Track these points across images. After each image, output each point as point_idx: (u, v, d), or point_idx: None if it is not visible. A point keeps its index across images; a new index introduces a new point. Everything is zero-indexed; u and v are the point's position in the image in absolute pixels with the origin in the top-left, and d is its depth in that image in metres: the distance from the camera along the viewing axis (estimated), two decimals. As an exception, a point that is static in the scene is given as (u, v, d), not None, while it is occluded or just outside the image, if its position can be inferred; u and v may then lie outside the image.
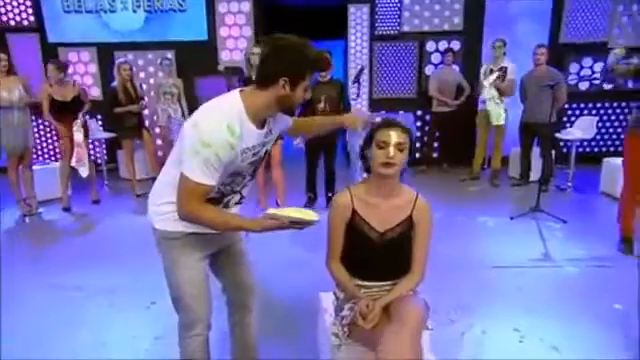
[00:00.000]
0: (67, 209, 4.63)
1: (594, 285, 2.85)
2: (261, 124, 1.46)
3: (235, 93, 1.42)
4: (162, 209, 1.54)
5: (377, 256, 1.66)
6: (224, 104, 1.40)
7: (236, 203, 1.62)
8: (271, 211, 1.43)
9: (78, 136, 4.38)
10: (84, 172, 4.51)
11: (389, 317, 1.51)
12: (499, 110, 4.93)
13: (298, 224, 1.42)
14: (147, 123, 5.23)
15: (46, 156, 6.46)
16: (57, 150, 6.28)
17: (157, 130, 5.84)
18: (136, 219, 4.37)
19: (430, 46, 6.12)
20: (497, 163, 5.33)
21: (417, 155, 5.87)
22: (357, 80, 3.75)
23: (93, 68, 6.19)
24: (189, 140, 1.36)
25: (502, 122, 4.99)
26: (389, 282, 1.69)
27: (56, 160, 5.50)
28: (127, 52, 5.94)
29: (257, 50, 4.05)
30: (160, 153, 5.51)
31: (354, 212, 1.66)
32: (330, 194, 4.41)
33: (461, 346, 2.24)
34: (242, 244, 1.77)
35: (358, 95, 4.05)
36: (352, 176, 3.74)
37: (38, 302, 2.74)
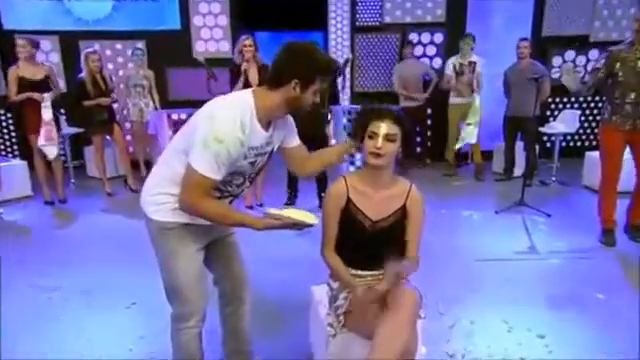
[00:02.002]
0: (51, 202, 4.66)
1: (577, 276, 3.05)
2: (266, 126, 1.55)
3: (248, 91, 1.54)
4: (159, 199, 1.59)
5: (370, 244, 1.76)
6: (238, 101, 1.50)
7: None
8: (273, 211, 1.52)
9: (47, 113, 4.32)
10: (52, 152, 4.45)
11: (385, 304, 1.61)
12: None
13: (298, 225, 1.52)
14: (117, 117, 5.18)
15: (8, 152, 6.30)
16: (17, 146, 6.14)
17: (127, 125, 5.78)
18: (109, 218, 4.36)
19: (412, 38, 6.28)
20: (478, 157, 5.55)
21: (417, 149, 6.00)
22: (342, 72, 3.84)
23: (55, 58, 6.06)
24: (201, 132, 1.43)
25: None
26: (382, 271, 1.78)
27: (25, 157, 5.36)
28: (93, 41, 5.85)
29: (249, 42, 4.11)
30: (131, 149, 5.46)
31: (349, 200, 1.75)
32: (323, 194, 4.45)
33: (451, 337, 2.37)
34: (235, 236, 1.85)
35: (343, 87, 4.12)
36: (340, 173, 3.85)
37: (15, 303, 2.73)
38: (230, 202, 1.70)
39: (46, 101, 4.32)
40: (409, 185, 1.80)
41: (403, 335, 1.49)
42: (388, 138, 1.65)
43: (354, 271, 1.80)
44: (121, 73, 5.96)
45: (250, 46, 4.13)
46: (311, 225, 1.52)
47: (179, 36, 6.05)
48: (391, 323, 1.51)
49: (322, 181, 4.42)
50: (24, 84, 4.30)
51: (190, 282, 1.63)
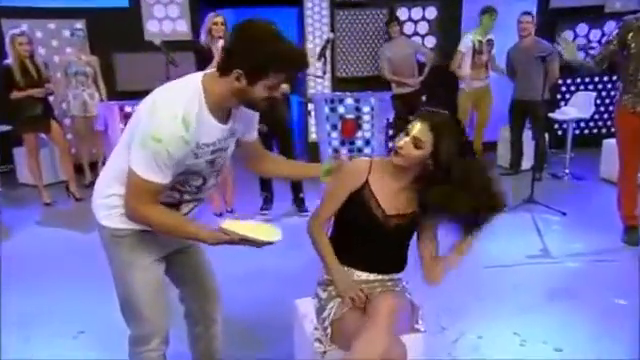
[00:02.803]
0: None
1: (597, 281, 3.15)
2: (223, 118, 1.54)
3: (198, 77, 1.51)
4: (109, 202, 1.60)
5: (378, 239, 1.82)
6: (184, 90, 1.48)
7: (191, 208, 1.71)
8: (225, 225, 1.54)
9: None
10: None
11: (365, 313, 1.72)
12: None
13: (251, 243, 1.53)
14: (55, 112, 5.10)
15: None
16: None
17: (67, 122, 5.69)
18: (48, 233, 4.30)
19: (402, 14, 6.36)
20: (478, 144, 5.67)
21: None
22: (323, 54, 3.88)
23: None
24: (141, 128, 1.44)
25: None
26: (387, 276, 1.87)
27: None
28: (20, 21, 5.72)
29: (220, 20, 4.12)
30: (73, 150, 5.38)
31: (366, 182, 1.81)
32: (301, 194, 4.48)
33: (455, 353, 2.43)
34: (200, 245, 1.84)
35: (324, 72, 4.15)
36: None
37: None
38: (193, 208, 1.70)
39: None
40: None
41: (378, 343, 1.55)
42: (415, 142, 1.71)
43: (359, 273, 1.85)
44: (57, 59, 5.86)
45: (221, 24, 4.14)
46: (269, 243, 1.54)
47: (127, 14, 6.00)
48: (366, 331, 1.59)
49: (298, 183, 4.44)
50: None
51: (148, 298, 1.64)
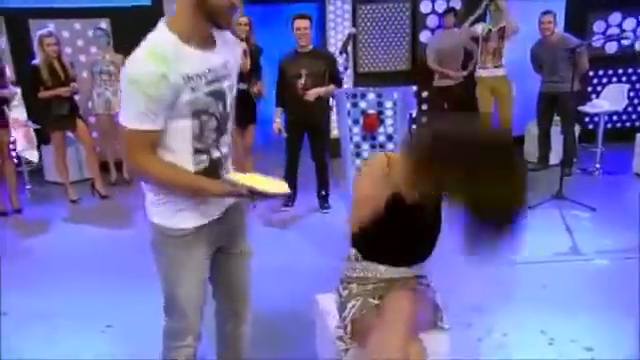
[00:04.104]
0: (4, 213, 4.75)
1: (628, 279, 3.08)
2: (204, 45, 1.51)
3: (160, 24, 1.49)
4: (158, 199, 1.61)
5: (401, 229, 1.81)
6: (151, 36, 1.46)
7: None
8: (231, 176, 1.55)
9: (20, 112, 4.37)
10: (34, 156, 4.53)
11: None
12: None
13: (258, 195, 1.51)
14: (81, 111, 5.23)
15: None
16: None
17: (93, 120, 5.83)
18: (74, 229, 4.42)
19: (425, 6, 6.32)
20: None
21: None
22: (344, 50, 3.89)
23: (0, 42, 6.10)
24: (120, 84, 1.46)
25: None
26: (413, 269, 1.89)
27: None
28: (47, 21, 5.89)
29: (244, 20, 4.18)
30: (98, 148, 5.51)
31: (385, 177, 1.80)
32: (324, 192, 4.52)
33: (481, 351, 2.42)
34: (247, 243, 1.88)
35: (346, 68, 4.16)
36: (344, 168, 3.90)
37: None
38: (220, 169, 1.65)
39: (17, 97, 4.38)
40: None
41: (394, 342, 1.57)
42: None
43: (384, 269, 1.86)
44: (83, 59, 6.02)
45: (245, 25, 4.19)
46: (277, 195, 1.53)
47: (150, 13, 6.10)
48: (381, 330, 1.62)
49: (322, 177, 4.47)
50: None
51: (192, 296, 1.69)
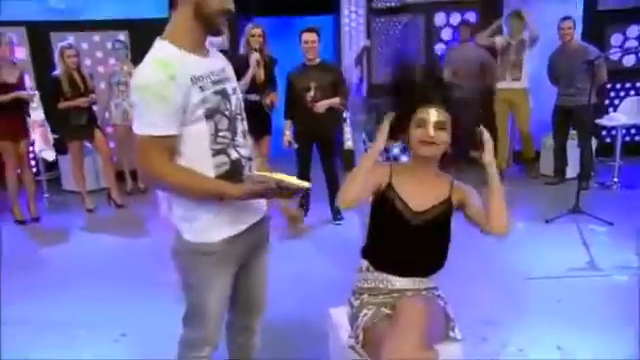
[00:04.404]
0: (22, 221, 4.84)
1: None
2: (201, 53, 1.57)
3: (158, 40, 1.56)
4: (188, 215, 1.62)
5: (410, 240, 1.86)
6: (151, 51, 1.52)
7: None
8: (256, 173, 1.56)
9: (38, 114, 4.49)
10: (51, 156, 4.74)
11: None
12: None
13: (285, 191, 1.52)
14: (99, 121, 5.33)
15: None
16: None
17: (109, 130, 5.92)
18: (90, 238, 4.48)
19: (440, 20, 6.35)
20: (530, 152, 5.64)
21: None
22: (359, 62, 3.92)
23: (22, 53, 6.22)
24: (131, 96, 1.52)
25: None
26: (424, 278, 1.90)
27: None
28: (67, 33, 6.02)
29: (258, 32, 4.25)
30: (115, 158, 5.60)
31: (389, 185, 1.87)
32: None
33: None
34: (267, 256, 1.90)
35: (361, 80, 4.21)
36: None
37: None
38: (242, 172, 1.65)
39: (36, 99, 4.50)
40: (451, 178, 1.93)
41: (407, 348, 1.57)
42: (438, 126, 1.78)
43: (395, 280, 1.87)
44: (101, 70, 6.13)
45: (259, 36, 4.25)
46: (301, 189, 1.54)
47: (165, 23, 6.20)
48: (394, 336, 1.63)
49: (334, 190, 4.48)
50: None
51: (216, 310, 1.71)
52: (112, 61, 5.93)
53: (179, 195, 1.61)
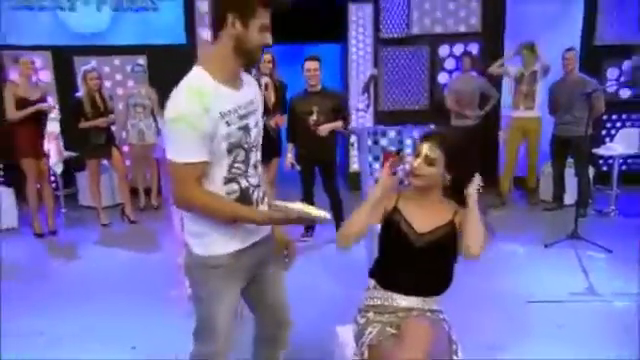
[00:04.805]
0: (41, 235, 4.85)
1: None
2: (234, 85, 1.60)
3: (196, 67, 1.58)
4: (197, 230, 1.65)
5: (415, 260, 1.87)
6: (187, 77, 1.55)
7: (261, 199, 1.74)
8: (279, 203, 1.59)
9: (54, 126, 4.54)
10: (59, 168, 4.78)
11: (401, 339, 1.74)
12: None
13: (304, 220, 1.58)
14: (117, 141, 5.38)
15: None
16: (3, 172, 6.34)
17: (125, 148, 5.97)
18: (105, 252, 4.47)
19: (443, 50, 6.43)
20: (532, 179, 5.64)
21: None
22: (367, 89, 3.96)
23: (47, 76, 6.33)
24: (165, 125, 1.53)
25: None
26: (427, 298, 1.89)
27: (11, 184, 5.57)
28: (89, 57, 6.10)
29: (268, 58, 4.32)
30: (130, 176, 5.63)
31: (395, 207, 1.90)
32: (341, 222, 4.50)
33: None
34: (279, 271, 1.92)
35: (368, 106, 4.24)
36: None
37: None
38: (257, 195, 1.71)
39: (55, 112, 4.57)
40: (456, 205, 1.93)
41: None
42: (427, 161, 1.82)
43: (401, 299, 1.87)
44: (120, 92, 6.21)
45: (269, 62, 4.32)
46: (320, 220, 1.56)
47: (184, 51, 6.30)
48: (402, 353, 1.65)
49: (336, 209, 4.47)
50: (23, 105, 4.53)
51: (226, 322, 1.71)
52: (130, 83, 6.01)
53: (206, 218, 1.62)
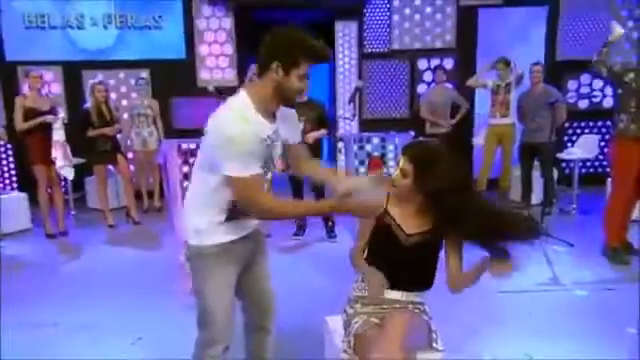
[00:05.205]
0: (53, 235, 4.79)
1: (606, 308, 3.07)
2: (270, 118, 1.65)
3: (242, 91, 1.64)
4: (196, 223, 1.70)
5: (403, 258, 1.87)
6: (232, 101, 1.61)
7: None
8: (343, 181, 1.68)
9: (59, 134, 4.51)
10: (70, 173, 4.70)
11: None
12: None
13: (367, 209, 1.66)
14: (122, 148, 5.34)
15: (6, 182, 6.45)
16: (17, 177, 6.27)
17: (130, 155, 5.93)
18: (112, 251, 4.44)
19: (422, 64, 6.50)
20: (506, 182, 5.71)
21: None
22: (352, 99, 3.99)
23: (57, 89, 6.28)
24: (216, 145, 1.55)
25: None
26: (413, 293, 1.90)
27: (21, 189, 5.51)
28: (97, 71, 6.08)
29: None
30: (134, 180, 5.59)
31: (386, 210, 1.89)
32: (330, 223, 4.53)
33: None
34: (267, 263, 1.95)
35: (354, 115, 4.26)
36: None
37: (9, 340, 2.76)
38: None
39: (58, 122, 4.52)
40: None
41: (391, 354, 1.60)
42: (402, 173, 1.83)
43: (389, 291, 1.87)
44: (125, 103, 6.18)
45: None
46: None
47: (184, 65, 6.29)
48: (380, 343, 1.67)
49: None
50: (32, 115, 4.50)
51: (223, 307, 1.73)
52: (134, 95, 5.99)
53: (281, 219, 1.74)
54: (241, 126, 1.52)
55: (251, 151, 1.55)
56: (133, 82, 5.97)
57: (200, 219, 1.69)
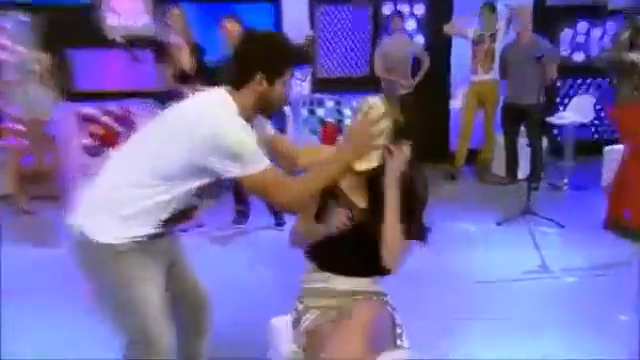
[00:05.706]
0: None
1: (598, 296, 3.29)
2: (250, 124, 1.80)
3: (222, 92, 1.77)
4: (124, 214, 1.73)
5: (355, 236, 1.91)
6: (222, 104, 1.73)
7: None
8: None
9: None
10: None
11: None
12: None
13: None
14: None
15: None
16: None
17: (19, 127, 5.63)
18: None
19: (388, 10, 6.49)
20: (488, 152, 5.88)
21: None
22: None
23: None
24: (225, 151, 1.66)
25: None
26: (368, 278, 1.97)
27: None
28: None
29: (178, 12, 4.23)
30: (32, 159, 5.35)
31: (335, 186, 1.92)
32: (240, 207, 4.59)
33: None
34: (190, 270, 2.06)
35: (306, 74, 4.25)
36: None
37: None
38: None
39: None
40: None
41: (353, 347, 1.67)
42: None
43: (341, 281, 1.95)
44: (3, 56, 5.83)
45: (178, 16, 4.24)
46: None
47: (82, 8, 6.01)
48: (340, 335, 1.73)
49: (239, 193, 4.50)
50: None
51: (156, 311, 1.77)
52: (19, 47, 5.66)
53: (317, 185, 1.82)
54: (244, 130, 1.69)
55: (254, 142, 1.71)
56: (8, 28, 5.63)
57: (106, 215, 1.74)
